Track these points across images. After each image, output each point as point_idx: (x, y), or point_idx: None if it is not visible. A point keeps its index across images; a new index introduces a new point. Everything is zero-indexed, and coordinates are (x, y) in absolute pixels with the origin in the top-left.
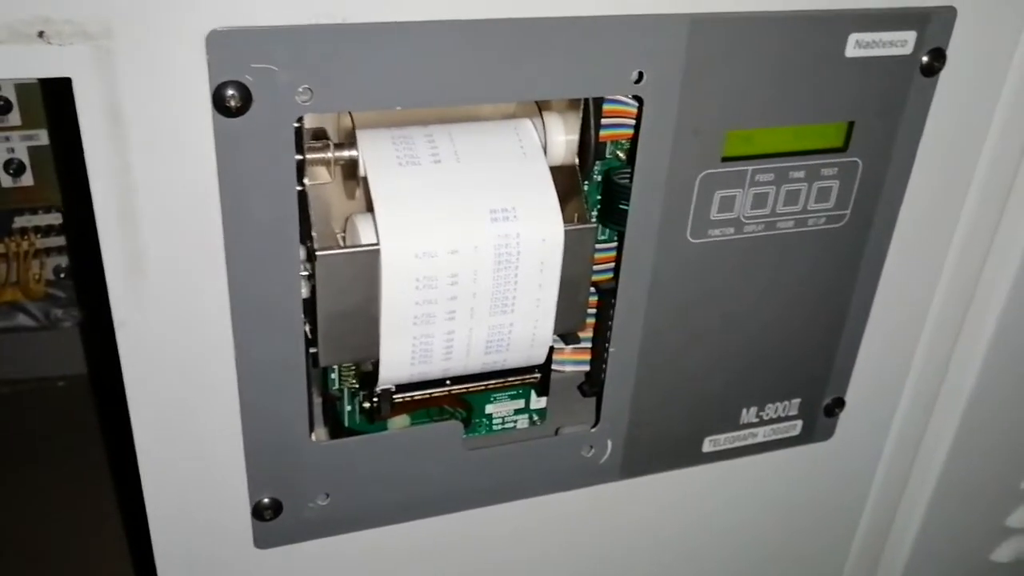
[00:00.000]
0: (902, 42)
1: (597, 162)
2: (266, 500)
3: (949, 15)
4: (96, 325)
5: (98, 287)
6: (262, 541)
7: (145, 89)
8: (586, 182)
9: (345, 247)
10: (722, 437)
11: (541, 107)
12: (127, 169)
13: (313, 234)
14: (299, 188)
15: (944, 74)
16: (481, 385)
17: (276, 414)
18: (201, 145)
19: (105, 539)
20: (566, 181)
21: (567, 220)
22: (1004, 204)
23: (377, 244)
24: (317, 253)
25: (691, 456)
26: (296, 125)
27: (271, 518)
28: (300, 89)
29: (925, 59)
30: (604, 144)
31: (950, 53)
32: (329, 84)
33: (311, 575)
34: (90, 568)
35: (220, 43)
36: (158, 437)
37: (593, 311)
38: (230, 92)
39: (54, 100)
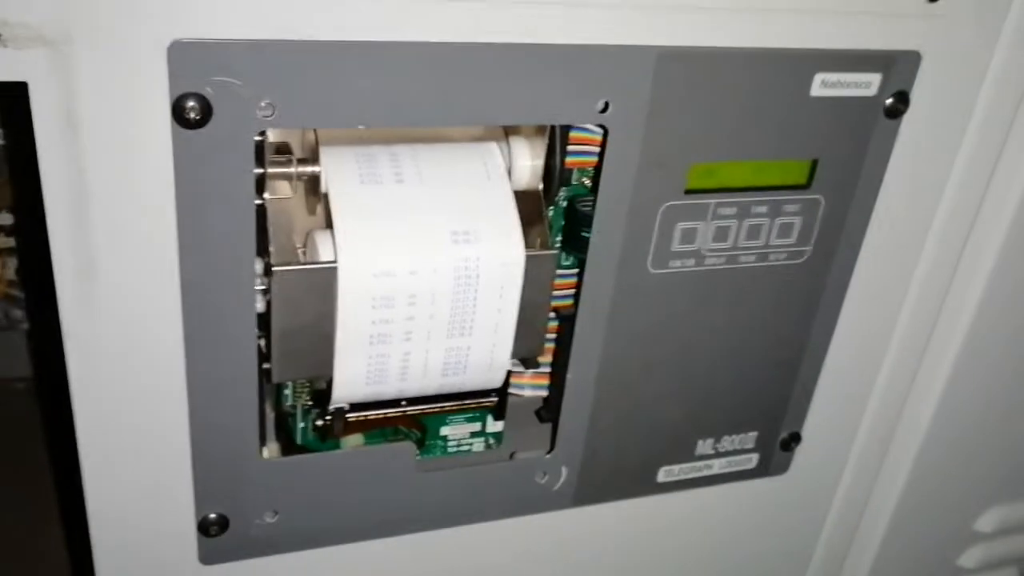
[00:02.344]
0: (867, 83)
1: (563, 188)
2: (212, 515)
3: (914, 59)
4: (46, 330)
5: (49, 291)
6: (208, 557)
7: (103, 97)
8: (551, 208)
9: (302, 263)
10: (677, 468)
11: (508, 131)
12: (81, 176)
13: (271, 249)
14: (258, 202)
15: (908, 117)
16: (437, 407)
17: (226, 428)
18: (159, 156)
19: (46, 550)
20: (530, 206)
21: (529, 245)
22: (963, 246)
23: (334, 261)
24: (273, 268)
25: (645, 486)
26: (259, 138)
27: (217, 534)
28: (262, 104)
29: (889, 101)
30: (570, 171)
31: (914, 96)
32: (292, 100)
33: None
34: None
35: (182, 54)
36: (103, 446)
37: (553, 336)
38: (190, 104)
39: (9, 101)
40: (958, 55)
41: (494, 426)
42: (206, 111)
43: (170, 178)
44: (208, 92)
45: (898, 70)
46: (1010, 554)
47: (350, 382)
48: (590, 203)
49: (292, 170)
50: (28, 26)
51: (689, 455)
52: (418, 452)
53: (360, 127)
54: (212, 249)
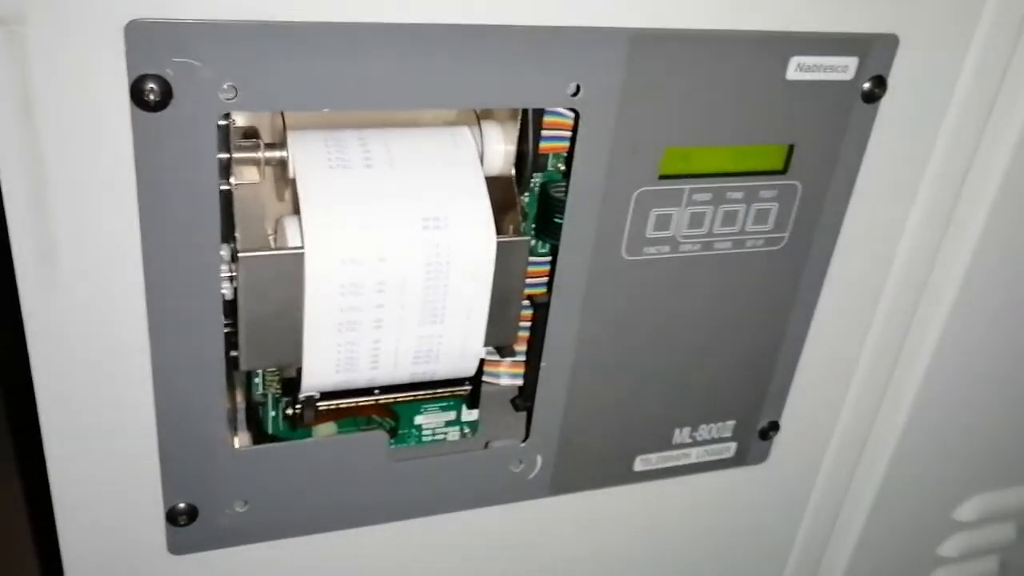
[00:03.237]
0: (843, 67)
1: (538, 174)
2: (181, 505)
3: (891, 43)
4: (7, 318)
5: (9, 278)
6: (176, 547)
7: (59, 79)
8: (526, 194)
9: (269, 249)
10: (654, 456)
11: (480, 116)
12: (40, 160)
13: (237, 235)
14: (225, 187)
15: (885, 101)
16: (409, 395)
17: (193, 417)
18: (118, 140)
19: (12, 542)
20: (502, 192)
21: (502, 231)
22: (944, 232)
23: (301, 248)
24: (239, 255)
25: (622, 474)
26: (224, 123)
27: (186, 524)
28: (224, 86)
29: (866, 86)
30: (545, 156)
31: (891, 81)
32: (255, 83)
33: None
34: None
35: (139, 34)
36: (68, 436)
37: (528, 325)
38: (149, 86)
39: None
40: (936, 38)
41: (469, 415)
42: (166, 93)
43: (131, 162)
44: (168, 74)
45: (875, 54)
46: (990, 543)
47: (319, 370)
48: (563, 188)
49: (259, 155)
50: None
51: (666, 444)
52: (391, 441)
53: (325, 111)
54: (175, 235)
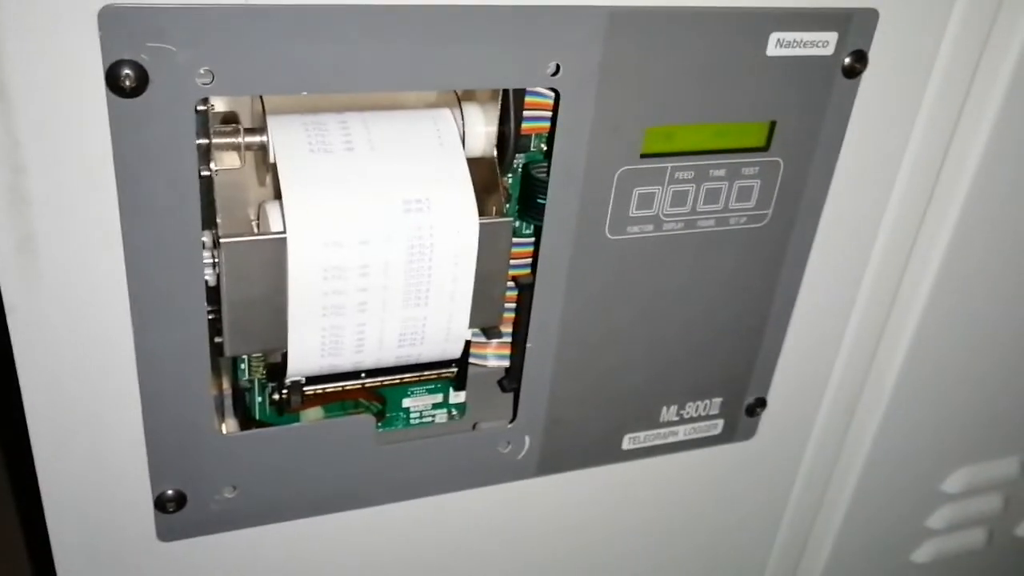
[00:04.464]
0: (823, 42)
1: (520, 155)
2: (169, 492)
3: (871, 17)
4: None
5: None
6: (165, 534)
7: (33, 66)
8: (509, 175)
9: (251, 235)
10: (642, 435)
11: (461, 97)
12: (15, 148)
13: (218, 220)
14: (205, 173)
15: (866, 76)
16: (396, 379)
17: (179, 403)
18: (95, 126)
19: (2, 531)
20: (485, 173)
21: (484, 213)
22: (926, 206)
23: (284, 232)
24: (221, 240)
25: (610, 453)
26: (203, 108)
27: (175, 510)
28: (200, 71)
29: (847, 60)
30: (527, 137)
31: (872, 55)
32: (231, 67)
33: (217, 569)
34: None
35: (113, 19)
36: (54, 425)
37: (513, 306)
38: (125, 71)
39: None
40: (916, 12)
41: (456, 397)
42: (142, 79)
43: (108, 149)
44: (143, 59)
45: (855, 28)
46: (978, 514)
47: (304, 355)
48: (546, 169)
49: (239, 140)
50: None
51: (654, 422)
52: (378, 424)
53: (303, 94)
54: (156, 221)
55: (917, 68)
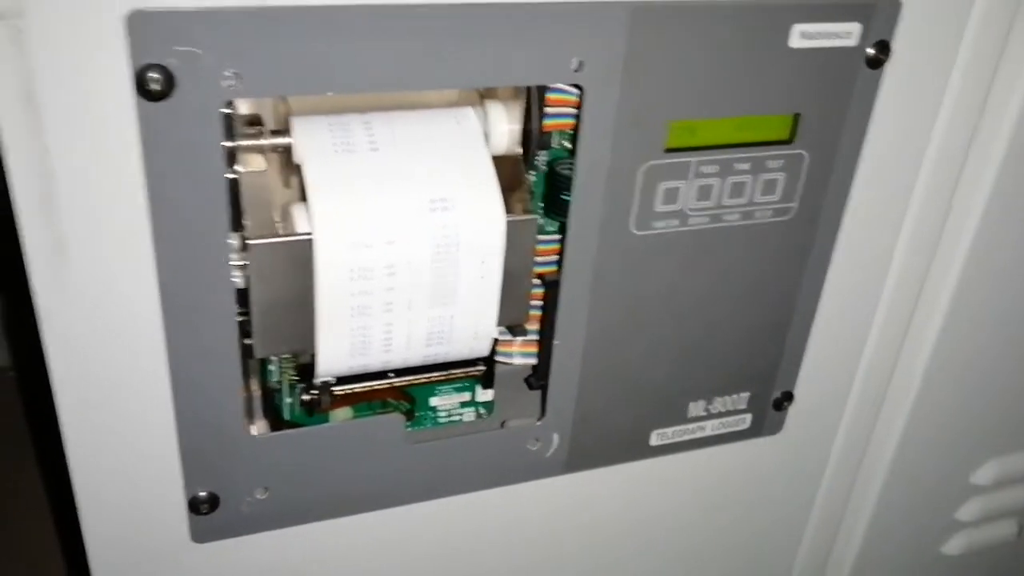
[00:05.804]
0: (847, 33)
1: (543, 152)
2: (202, 494)
3: (894, 7)
4: (24, 314)
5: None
6: (199, 535)
7: (62, 71)
8: (532, 172)
9: (278, 236)
10: (670, 430)
11: (483, 95)
12: (45, 154)
13: (246, 222)
14: (231, 175)
15: (889, 66)
16: (424, 377)
17: (210, 406)
18: (123, 130)
19: (37, 537)
20: (509, 171)
21: (510, 211)
22: (951, 196)
23: (310, 234)
24: (249, 242)
25: (638, 450)
26: (228, 110)
27: (208, 512)
28: (226, 73)
29: (870, 51)
30: (550, 134)
31: (895, 45)
32: (256, 69)
33: (250, 570)
34: (22, 565)
35: (141, 24)
36: (88, 430)
37: (539, 303)
38: (152, 75)
39: None
40: (939, 1)
41: (484, 395)
42: (169, 82)
43: (137, 153)
44: (171, 63)
45: (878, 18)
46: (1008, 506)
47: (333, 355)
48: (570, 165)
49: (264, 142)
50: None
51: (681, 417)
52: (407, 423)
53: (329, 94)
54: (185, 224)
55: (941, 57)
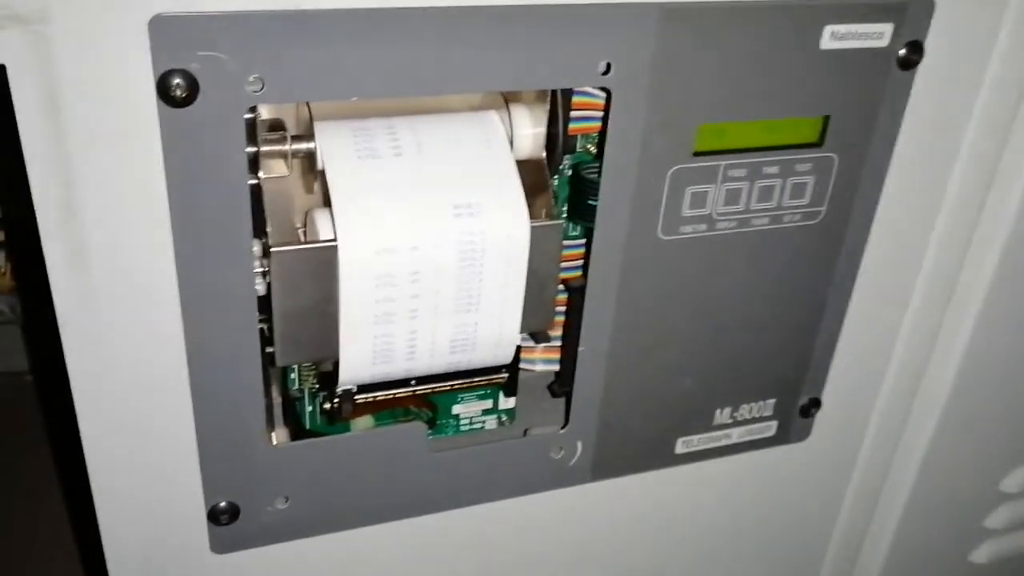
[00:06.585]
0: (878, 34)
1: (567, 156)
2: (223, 504)
3: (927, 7)
4: (44, 321)
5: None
6: (219, 546)
7: (85, 77)
8: (556, 177)
9: (301, 243)
10: (695, 438)
11: (508, 99)
12: (67, 160)
13: (268, 229)
14: (253, 181)
15: (922, 67)
16: (447, 385)
17: (231, 415)
18: (146, 136)
19: (56, 544)
20: (533, 175)
21: (534, 216)
22: (983, 200)
23: (334, 240)
24: (272, 249)
25: (663, 457)
26: (250, 116)
27: (228, 522)
28: (250, 78)
29: (902, 52)
30: (574, 138)
31: (928, 46)
32: (280, 74)
33: None
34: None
35: (164, 29)
36: (107, 438)
37: (563, 309)
38: (175, 81)
39: None
40: (972, 1)
41: (506, 403)
42: (192, 88)
43: (159, 159)
44: (194, 68)
45: (911, 19)
46: None
47: (356, 363)
48: (596, 170)
49: (286, 147)
50: (2, 5)
51: (707, 425)
52: (430, 432)
53: (353, 99)
54: (207, 231)
55: (974, 58)
